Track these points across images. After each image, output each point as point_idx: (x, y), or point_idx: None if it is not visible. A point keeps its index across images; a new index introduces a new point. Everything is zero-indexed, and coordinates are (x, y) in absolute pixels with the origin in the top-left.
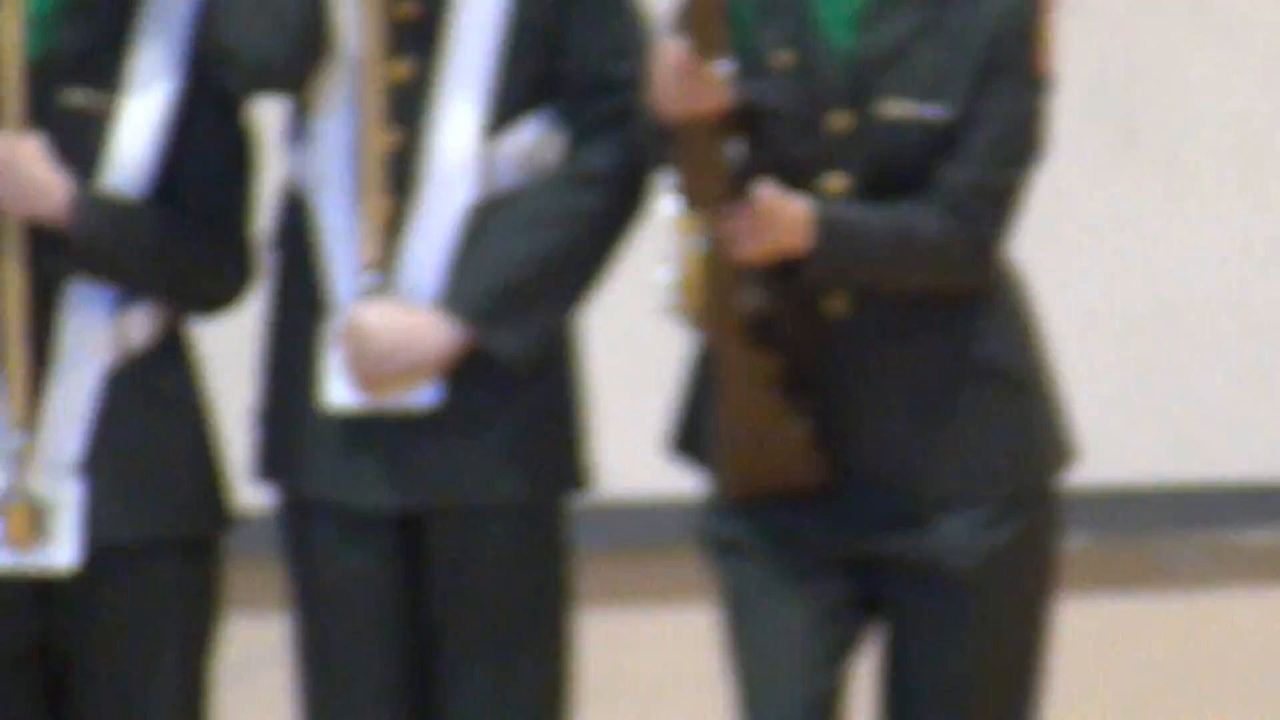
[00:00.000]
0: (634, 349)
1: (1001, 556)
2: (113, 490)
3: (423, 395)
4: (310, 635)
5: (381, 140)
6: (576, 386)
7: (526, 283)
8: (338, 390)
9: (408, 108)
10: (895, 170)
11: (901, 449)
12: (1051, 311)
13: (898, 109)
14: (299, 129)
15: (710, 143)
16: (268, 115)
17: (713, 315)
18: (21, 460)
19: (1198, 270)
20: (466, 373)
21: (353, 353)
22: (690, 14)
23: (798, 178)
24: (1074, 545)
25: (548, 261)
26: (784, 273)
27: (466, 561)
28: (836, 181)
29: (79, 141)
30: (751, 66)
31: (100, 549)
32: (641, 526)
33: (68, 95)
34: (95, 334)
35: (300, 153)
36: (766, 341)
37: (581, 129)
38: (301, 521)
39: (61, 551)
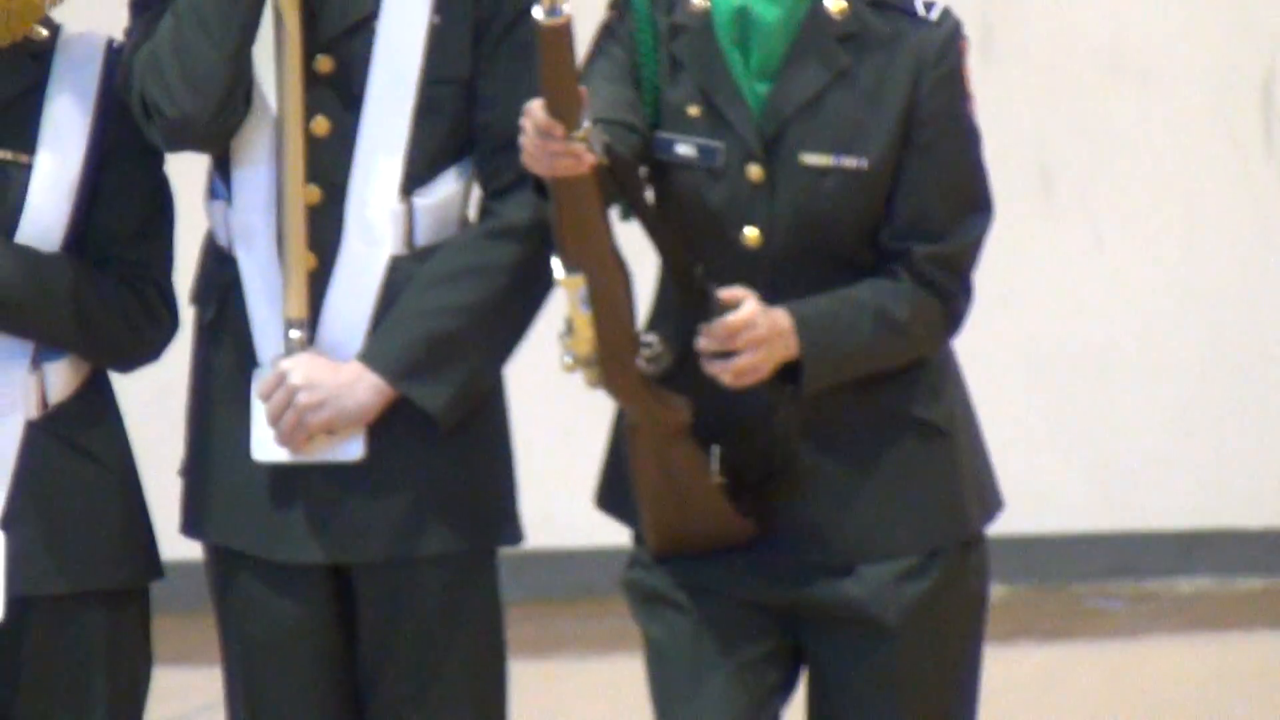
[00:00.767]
0: (561, 400)
1: (926, 605)
2: (37, 543)
3: (348, 449)
4: (244, 687)
5: (303, 195)
6: (503, 438)
7: (449, 335)
8: (263, 444)
9: (327, 162)
10: (812, 220)
11: (825, 498)
12: (974, 359)
13: (814, 159)
14: (220, 183)
15: (581, 203)
16: (189, 169)
17: (608, 374)
18: None
19: (1120, 318)
20: (391, 426)
21: (278, 407)
22: (544, 80)
23: (713, 230)
24: (1002, 593)
25: (469, 314)
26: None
27: (395, 613)
28: (752, 233)
29: None
30: (670, 120)
31: (26, 601)
32: (571, 577)
33: None
34: (15, 387)
35: (221, 207)
36: (671, 392)
37: (500, 182)
38: (230, 574)
39: None
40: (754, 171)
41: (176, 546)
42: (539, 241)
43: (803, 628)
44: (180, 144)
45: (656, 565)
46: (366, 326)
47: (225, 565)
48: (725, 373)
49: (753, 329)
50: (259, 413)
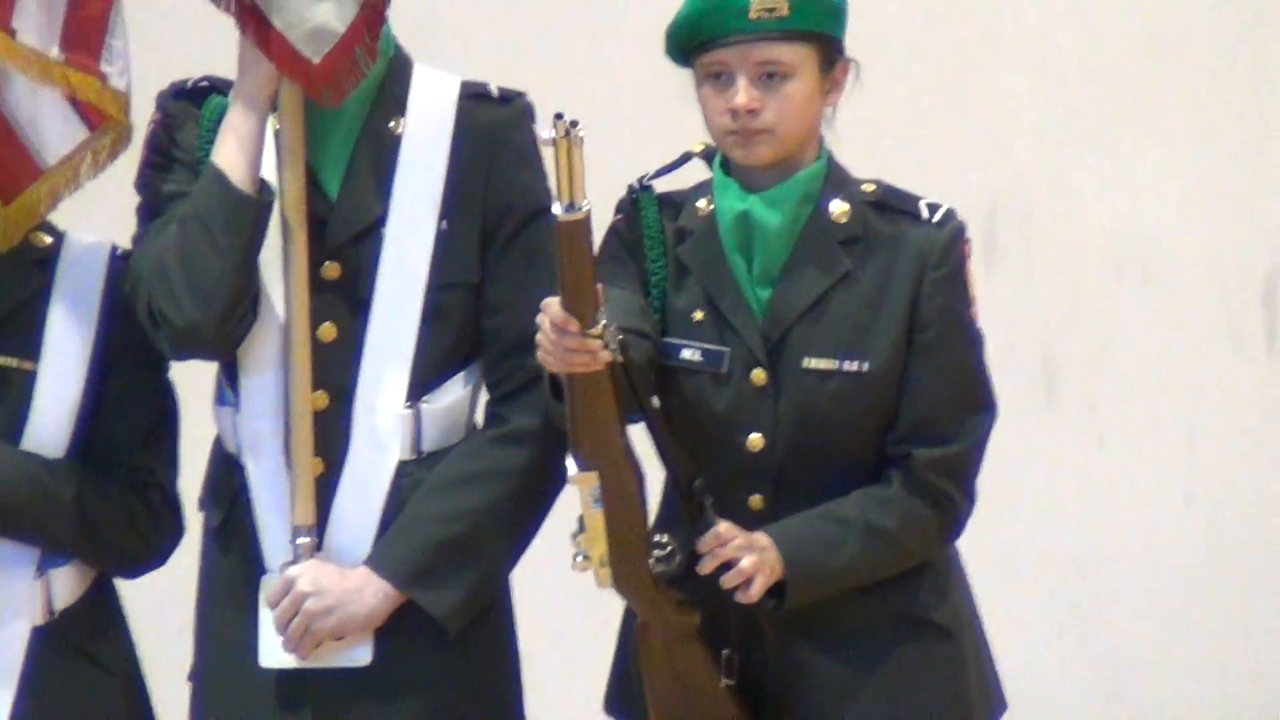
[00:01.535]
0: (568, 604)
1: None
2: None
3: (356, 654)
4: None
5: (310, 401)
6: (509, 641)
7: (457, 541)
8: (271, 650)
9: (334, 368)
10: (815, 424)
11: (830, 699)
12: (975, 557)
13: (816, 363)
14: (227, 389)
15: (596, 401)
16: (197, 373)
17: (619, 573)
18: None
19: (1122, 517)
20: (398, 631)
21: (285, 613)
22: (561, 275)
23: (718, 434)
24: None
25: (477, 519)
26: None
27: None
28: (756, 439)
29: (0, 401)
30: (675, 324)
31: None
32: None
33: None
34: (20, 593)
35: (229, 414)
36: (681, 594)
37: (507, 387)
38: None
39: None
40: (758, 376)
41: None
42: (546, 447)
43: None
44: (187, 352)
45: None
46: (374, 531)
47: None
48: (729, 582)
49: (740, 536)
50: (266, 619)
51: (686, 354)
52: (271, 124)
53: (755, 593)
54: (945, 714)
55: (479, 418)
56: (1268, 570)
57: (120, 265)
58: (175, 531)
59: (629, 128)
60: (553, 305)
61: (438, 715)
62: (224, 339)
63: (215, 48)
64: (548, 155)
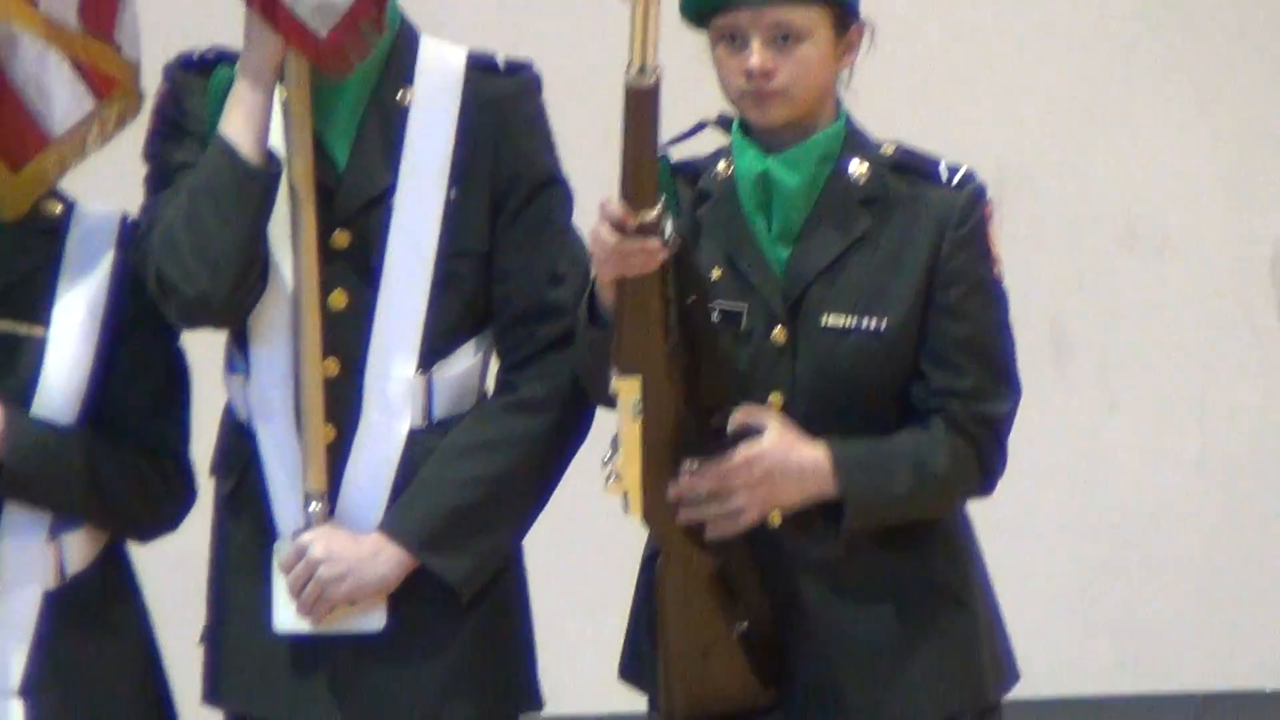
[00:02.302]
0: (583, 568)
1: None
2: (56, 711)
3: (369, 620)
4: None
5: (321, 369)
6: (522, 606)
7: (469, 508)
8: (284, 616)
9: (345, 336)
10: (833, 382)
11: (844, 660)
12: (988, 524)
13: (835, 320)
14: (238, 357)
15: (647, 300)
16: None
17: (650, 498)
18: None
19: (1135, 483)
20: (412, 596)
21: (298, 579)
22: (625, 149)
23: (738, 394)
24: None
25: (489, 486)
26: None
27: None
28: (776, 399)
29: (9, 367)
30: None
31: None
32: None
33: None
34: (33, 558)
35: (240, 381)
36: (702, 538)
37: (518, 355)
38: None
39: None
40: (778, 334)
41: (198, 715)
42: (558, 415)
43: None
44: (197, 321)
45: None
46: (385, 498)
47: None
48: (713, 515)
49: (750, 469)
50: (280, 585)
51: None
52: (279, 95)
53: (738, 525)
54: (959, 680)
55: (490, 386)
56: (1279, 531)
57: (130, 233)
58: (187, 497)
59: None
60: (611, 203)
61: (451, 680)
62: (233, 308)
63: (221, 20)
64: (624, 13)
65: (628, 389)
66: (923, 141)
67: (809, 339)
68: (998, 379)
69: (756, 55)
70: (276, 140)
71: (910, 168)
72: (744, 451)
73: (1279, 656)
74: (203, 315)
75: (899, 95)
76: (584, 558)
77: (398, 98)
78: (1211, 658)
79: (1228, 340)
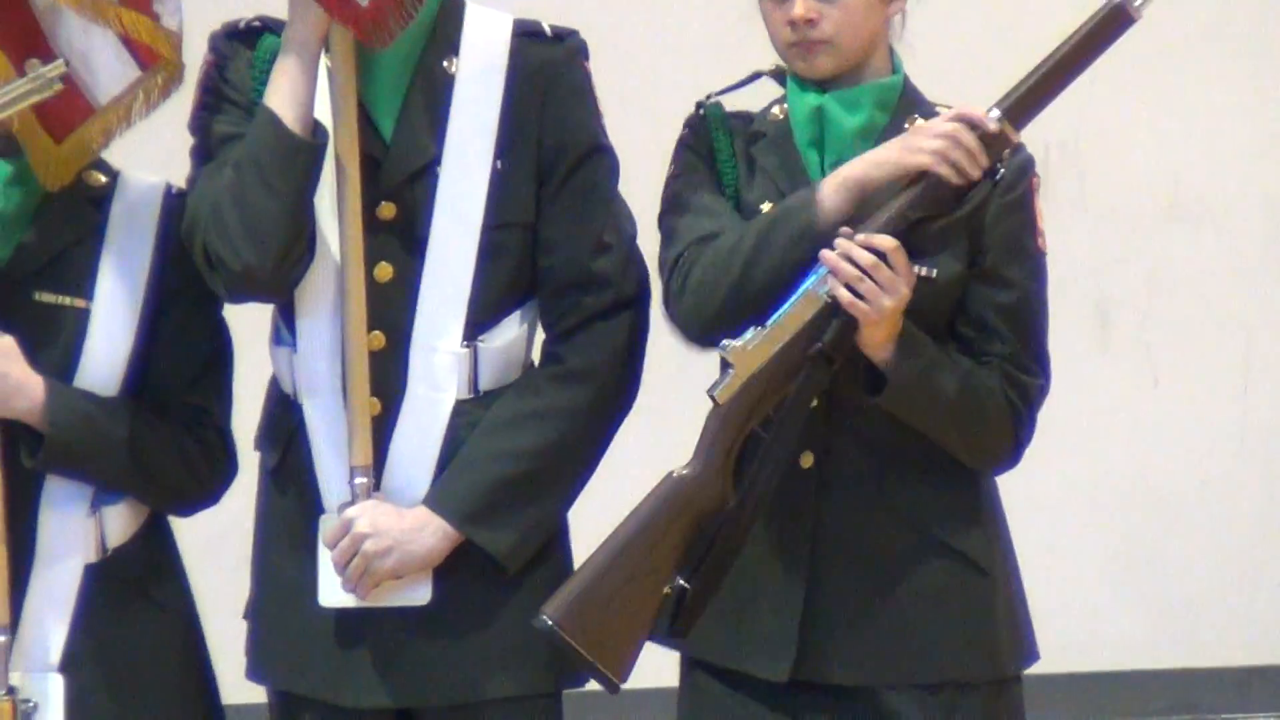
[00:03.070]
0: None
1: None
2: (97, 686)
3: (415, 593)
4: None
5: (366, 341)
6: (567, 580)
7: (514, 480)
8: (330, 590)
9: (390, 308)
10: None
11: (849, 619)
12: (1030, 498)
13: None
14: (284, 330)
15: None
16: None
17: (744, 391)
18: (4, 657)
19: (1176, 455)
20: (457, 570)
21: (344, 554)
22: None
23: None
24: None
25: (534, 459)
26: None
27: None
28: None
29: (53, 339)
30: (746, 219)
31: None
32: (633, 717)
33: (39, 293)
34: (74, 530)
35: (286, 354)
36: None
37: (564, 325)
38: (295, 719)
39: None
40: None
41: (239, 690)
42: (603, 384)
43: None
44: (244, 295)
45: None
46: (431, 471)
47: (290, 710)
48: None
49: (885, 265)
50: (325, 559)
51: None
52: (324, 65)
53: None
54: (967, 649)
55: (536, 357)
56: None
57: (175, 204)
58: (229, 470)
59: (699, 49)
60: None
61: (496, 653)
62: (280, 281)
63: None
64: None
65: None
66: None
67: None
68: (1034, 354)
69: (800, 4)
70: (322, 111)
71: None
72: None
73: None
74: (249, 288)
75: (942, 72)
76: None
77: (444, 66)
78: (1254, 632)
79: (1270, 312)
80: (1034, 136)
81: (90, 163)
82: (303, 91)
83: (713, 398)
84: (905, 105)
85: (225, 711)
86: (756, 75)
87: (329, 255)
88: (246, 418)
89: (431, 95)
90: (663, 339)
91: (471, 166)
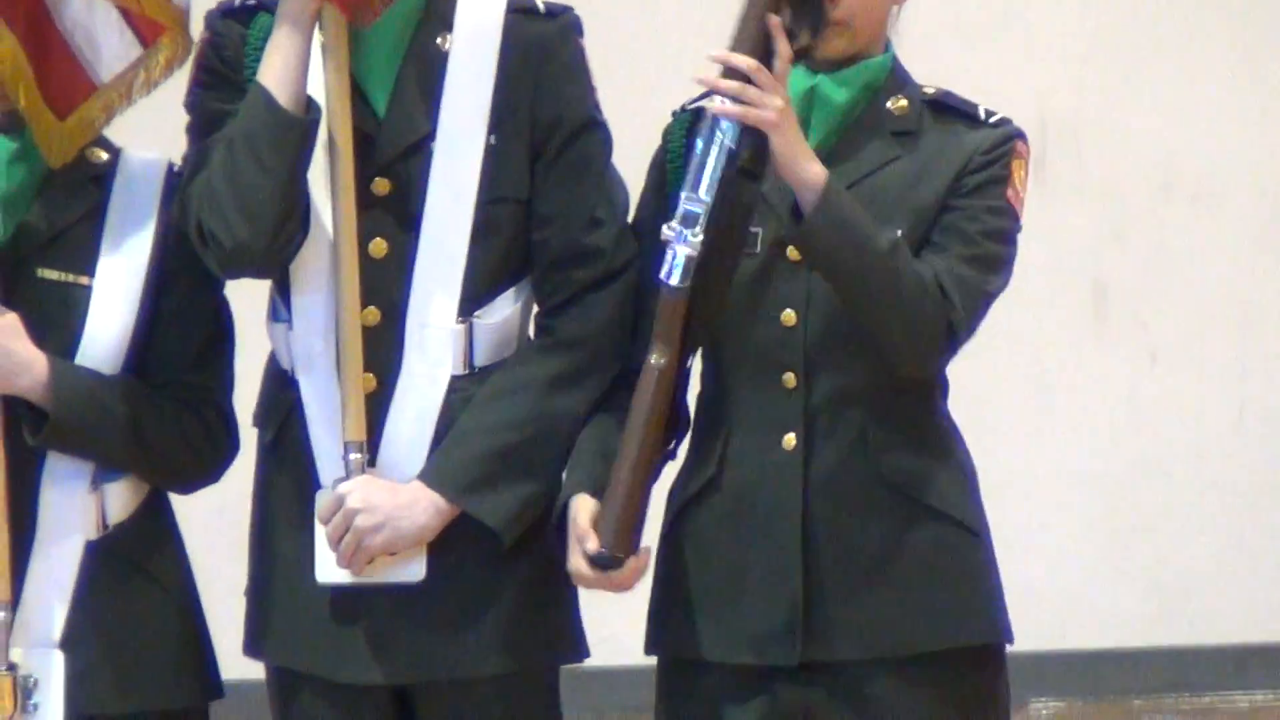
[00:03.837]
0: None
1: (945, 703)
2: (97, 663)
3: (409, 570)
4: None
5: (360, 317)
6: (563, 556)
7: (508, 449)
8: (326, 566)
9: (385, 284)
10: None
11: (859, 594)
12: (1028, 475)
13: None
14: (281, 306)
15: None
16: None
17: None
18: (5, 633)
19: (1174, 433)
20: (453, 546)
21: (337, 530)
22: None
23: (752, 309)
24: (1059, 708)
25: (527, 427)
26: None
27: None
28: (789, 316)
29: (56, 316)
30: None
31: None
32: (630, 695)
33: (42, 270)
34: (75, 508)
35: (283, 330)
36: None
37: (557, 299)
38: (292, 695)
39: None
40: (793, 252)
41: (238, 666)
42: (593, 352)
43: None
44: (237, 271)
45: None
46: (427, 447)
47: (287, 686)
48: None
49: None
50: (321, 535)
51: None
52: (318, 41)
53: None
54: (968, 613)
55: (531, 333)
56: None
57: (176, 182)
58: (229, 448)
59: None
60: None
61: (492, 630)
62: (273, 257)
63: None
64: None
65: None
66: (963, 94)
67: None
68: (981, 259)
69: None
70: (315, 88)
71: (949, 107)
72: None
73: None
74: (242, 265)
75: (939, 48)
76: None
77: (437, 43)
78: (1250, 610)
79: (1267, 292)
80: (1030, 115)
81: (92, 140)
82: (295, 68)
83: (663, 283)
84: (891, 85)
85: (224, 687)
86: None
87: (323, 231)
88: (248, 397)
89: (425, 71)
90: None
91: (465, 142)
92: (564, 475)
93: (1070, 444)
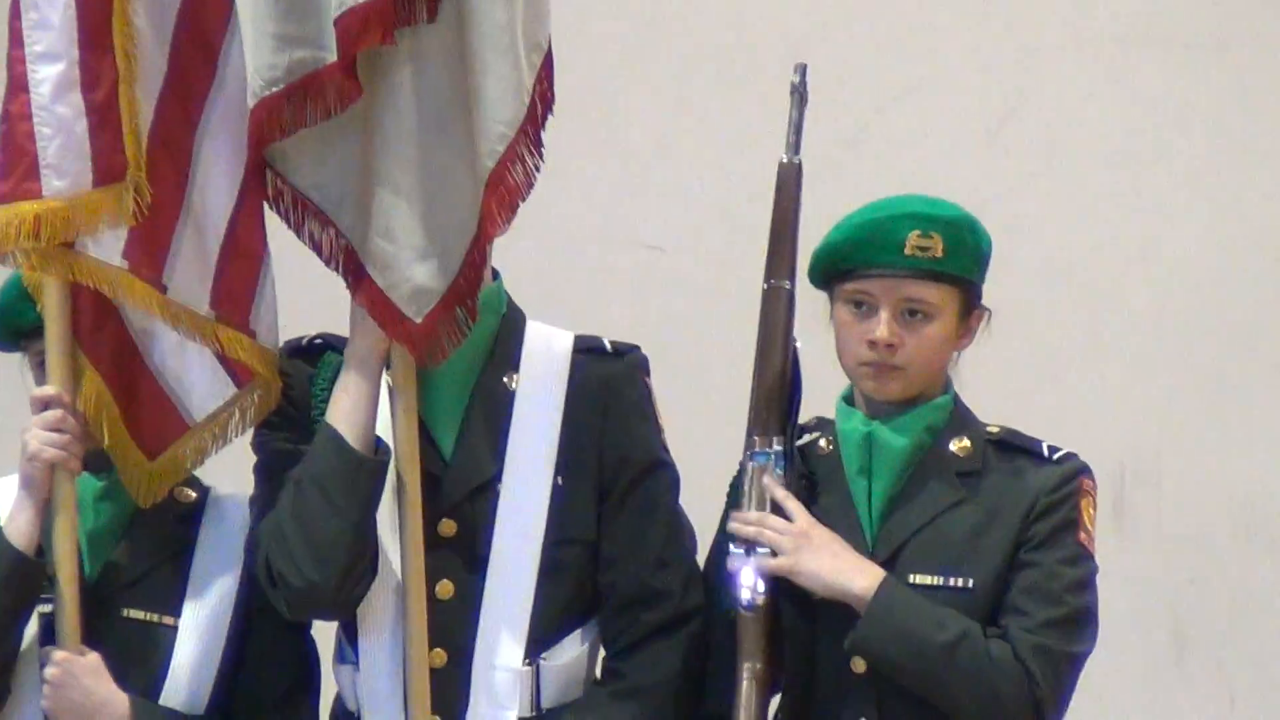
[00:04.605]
0: None
1: None
2: None
3: None
4: None
5: (427, 659)
6: None
7: None
8: None
9: (451, 626)
10: None
11: None
12: None
13: (922, 579)
14: (347, 648)
15: None
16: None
17: None
18: None
19: None
20: None
21: None
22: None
23: (823, 656)
24: None
25: None
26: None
27: None
28: (859, 663)
29: (140, 655)
30: None
31: None
32: None
33: (127, 610)
34: None
35: (349, 672)
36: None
37: (624, 642)
38: None
39: None
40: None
41: None
42: (662, 702)
43: None
44: (306, 613)
45: None
46: None
47: None
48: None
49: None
50: None
51: None
52: (385, 382)
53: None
54: None
55: (596, 673)
56: None
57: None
58: None
59: None
60: None
61: None
62: (343, 599)
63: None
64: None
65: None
66: (1042, 434)
67: None
68: (1065, 622)
69: (885, 327)
70: (383, 428)
71: (1013, 445)
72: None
73: None
74: (312, 606)
75: (1018, 387)
76: None
77: (504, 382)
78: None
79: None
80: (1108, 456)
81: (182, 480)
82: (364, 409)
83: (744, 608)
84: (954, 425)
85: None
86: (802, 430)
87: (389, 572)
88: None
89: (491, 411)
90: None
91: (532, 483)
92: None
93: None
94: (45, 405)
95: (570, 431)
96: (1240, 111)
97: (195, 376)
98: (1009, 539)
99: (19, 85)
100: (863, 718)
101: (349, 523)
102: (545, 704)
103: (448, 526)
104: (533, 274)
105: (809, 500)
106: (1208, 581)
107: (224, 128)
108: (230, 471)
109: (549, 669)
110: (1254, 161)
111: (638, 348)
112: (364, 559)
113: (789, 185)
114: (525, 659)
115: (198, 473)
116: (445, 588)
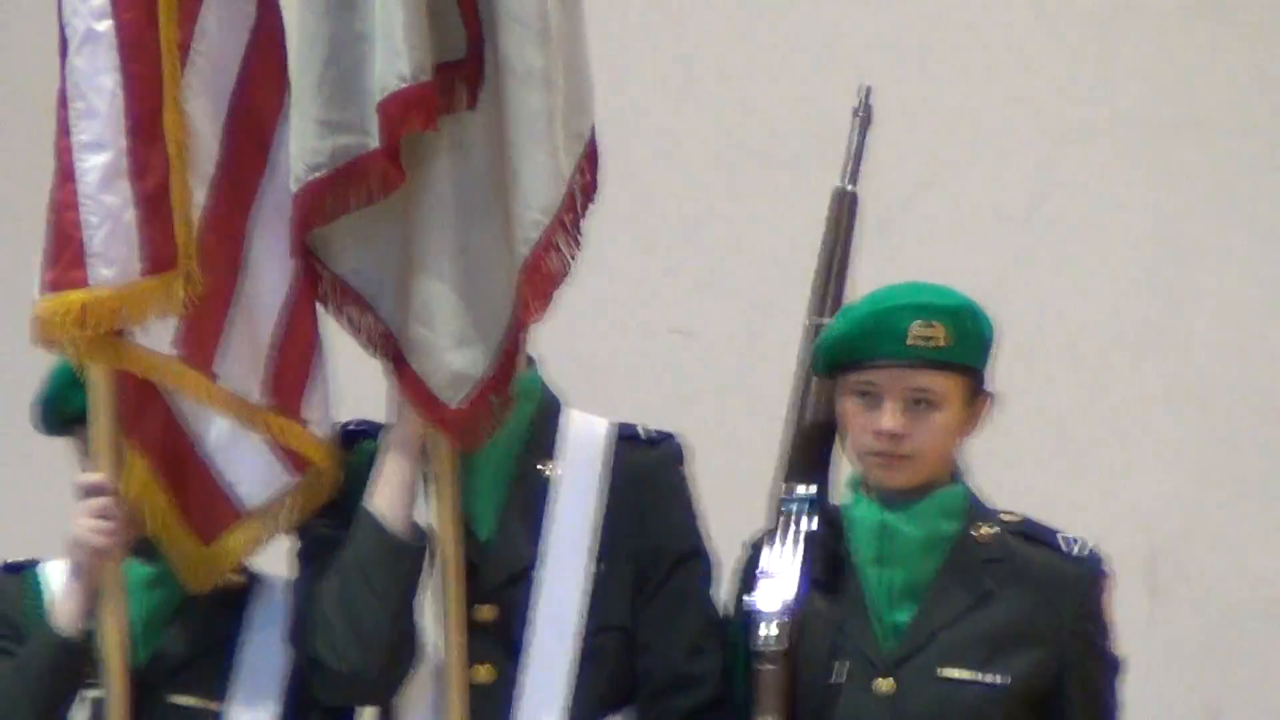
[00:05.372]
0: None
1: None
2: None
3: None
4: None
5: None
6: None
7: None
8: None
9: (490, 711)
10: None
11: None
12: None
13: (955, 673)
14: None
15: None
16: None
17: None
18: None
19: None
20: None
21: None
22: None
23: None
24: None
25: None
26: None
27: None
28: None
29: None
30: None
31: None
32: None
33: (174, 696)
34: None
35: None
36: None
37: None
38: None
39: None
40: (883, 684)
41: None
42: None
43: None
44: (348, 699)
45: None
46: None
47: None
48: None
49: None
50: None
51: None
52: (424, 467)
53: None
54: None
55: None
56: None
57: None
58: None
59: None
60: None
61: None
62: (385, 685)
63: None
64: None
65: None
66: (1070, 519)
67: (921, 688)
68: None
69: (890, 417)
70: (421, 514)
71: (1033, 535)
72: None
73: None
74: (354, 692)
75: (1046, 472)
76: None
77: (540, 469)
78: None
79: None
80: (1138, 537)
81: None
82: (405, 494)
83: (759, 654)
84: (974, 514)
85: None
86: (811, 534)
87: (428, 657)
88: None
89: (529, 498)
90: None
91: (571, 570)
92: None
93: None
94: (90, 492)
95: (608, 519)
96: (1271, 194)
97: (247, 464)
98: (1041, 643)
99: (66, 173)
100: None
101: (390, 607)
102: None
103: (485, 612)
104: (568, 359)
105: (834, 555)
106: (1239, 666)
107: (276, 215)
108: (267, 553)
109: None
110: None
111: (673, 435)
112: (406, 644)
113: (843, 216)
114: None
115: None
116: (483, 672)
